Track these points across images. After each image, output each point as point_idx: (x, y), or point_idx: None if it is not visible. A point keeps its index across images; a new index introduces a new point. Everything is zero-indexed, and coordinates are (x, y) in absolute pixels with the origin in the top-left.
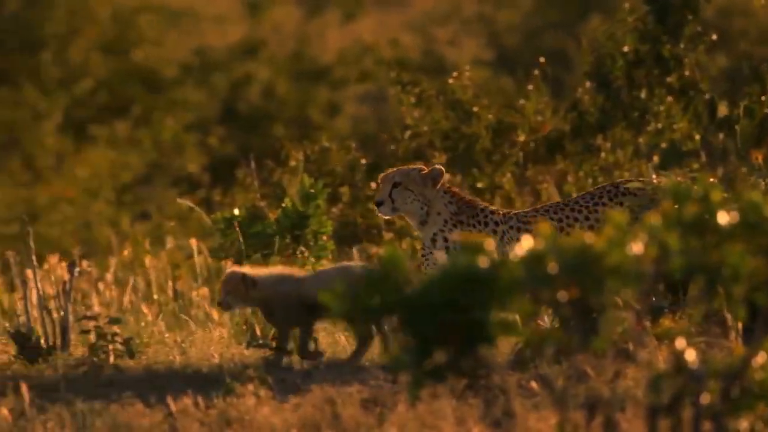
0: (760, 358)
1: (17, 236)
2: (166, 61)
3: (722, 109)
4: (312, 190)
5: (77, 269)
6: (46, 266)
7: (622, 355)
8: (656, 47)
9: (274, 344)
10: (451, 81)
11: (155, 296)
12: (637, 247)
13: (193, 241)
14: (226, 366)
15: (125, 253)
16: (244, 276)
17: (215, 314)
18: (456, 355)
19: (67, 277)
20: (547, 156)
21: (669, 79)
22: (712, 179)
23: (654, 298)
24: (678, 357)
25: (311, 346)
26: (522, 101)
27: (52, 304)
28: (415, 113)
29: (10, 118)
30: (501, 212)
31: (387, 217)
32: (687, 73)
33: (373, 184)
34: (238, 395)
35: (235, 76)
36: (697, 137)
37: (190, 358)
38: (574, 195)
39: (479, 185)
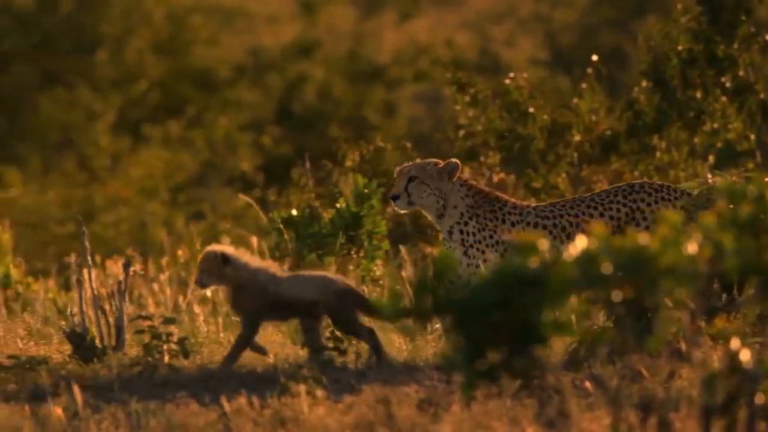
0: None
1: (73, 236)
2: (220, 62)
3: None
4: (366, 190)
5: (132, 269)
6: (101, 266)
7: (676, 355)
8: (710, 47)
9: (330, 345)
10: (507, 82)
11: (209, 296)
12: (691, 247)
13: (254, 240)
14: (280, 366)
15: (180, 252)
16: (216, 254)
17: None
18: (509, 355)
19: (122, 276)
20: (601, 156)
21: (723, 80)
22: (767, 179)
23: (708, 298)
24: (732, 357)
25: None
26: (576, 100)
27: (107, 304)
28: (470, 113)
29: (65, 119)
30: (522, 206)
31: (403, 211)
32: (741, 73)
33: None
34: (292, 395)
35: (289, 76)
36: (753, 137)
37: (245, 357)
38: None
39: (535, 185)
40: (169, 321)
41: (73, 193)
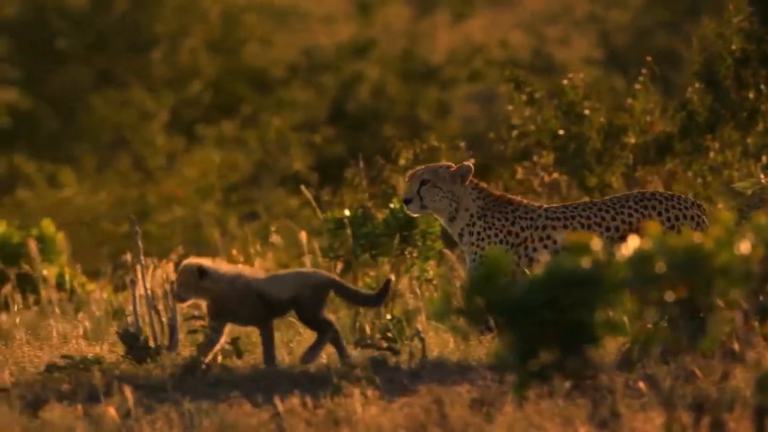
0: None
1: (127, 236)
2: (274, 61)
3: None
4: None
5: None
6: (156, 266)
7: (729, 356)
8: (762, 47)
9: (384, 344)
10: (565, 82)
11: None
12: (744, 247)
13: (303, 235)
14: (333, 366)
15: (233, 252)
16: (193, 268)
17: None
18: (562, 355)
19: (175, 276)
20: (656, 156)
21: None
22: None
23: (762, 298)
24: None
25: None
26: (630, 101)
27: (160, 305)
28: (526, 112)
29: (118, 119)
30: (533, 208)
31: (416, 215)
32: None
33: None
34: (345, 395)
35: (344, 76)
36: None
37: (298, 357)
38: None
39: (589, 184)
40: None
41: (127, 192)
